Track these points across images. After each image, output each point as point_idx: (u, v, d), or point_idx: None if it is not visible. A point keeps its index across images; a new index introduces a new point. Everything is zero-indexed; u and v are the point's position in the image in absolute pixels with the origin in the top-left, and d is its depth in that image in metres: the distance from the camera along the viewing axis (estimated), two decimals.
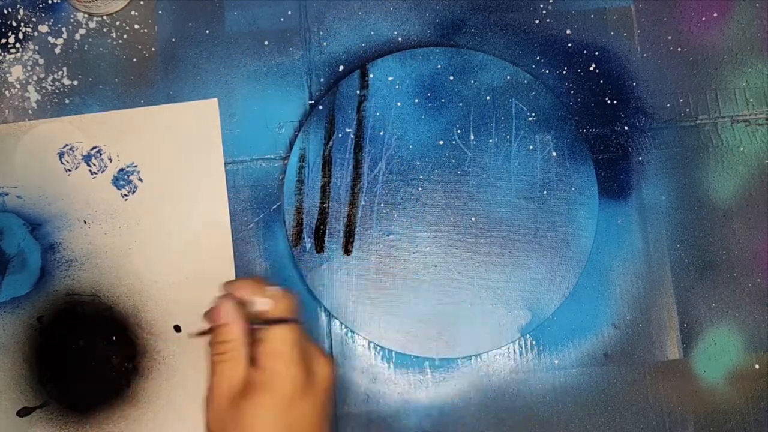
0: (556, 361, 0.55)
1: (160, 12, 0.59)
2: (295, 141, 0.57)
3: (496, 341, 0.55)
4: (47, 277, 0.55)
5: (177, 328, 0.55)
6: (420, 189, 0.56)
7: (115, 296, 0.55)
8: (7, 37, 0.58)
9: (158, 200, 0.56)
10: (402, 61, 0.58)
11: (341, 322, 0.55)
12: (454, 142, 0.57)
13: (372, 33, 0.59)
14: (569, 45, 0.59)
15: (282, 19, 0.59)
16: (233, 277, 0.55)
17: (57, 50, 0.58)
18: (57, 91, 0.57)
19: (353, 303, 0.55)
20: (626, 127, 0.58)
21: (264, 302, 0.42)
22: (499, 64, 0.57)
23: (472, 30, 0.59)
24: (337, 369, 0.43)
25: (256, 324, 0.42)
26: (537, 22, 0.59)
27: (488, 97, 0.57)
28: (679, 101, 0.59)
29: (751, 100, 0.59)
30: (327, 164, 0.56)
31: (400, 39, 0.59)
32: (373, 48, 0.59)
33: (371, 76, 0.57)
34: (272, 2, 0.59)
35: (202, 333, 0.44)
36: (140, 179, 0.57)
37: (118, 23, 0.58)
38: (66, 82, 0.58)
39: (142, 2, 0.59)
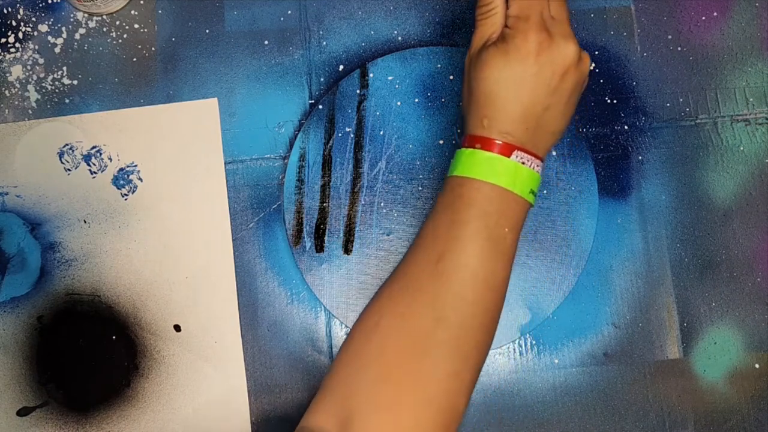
0: (556, 361, 0.55)
1: (159, 11, 0.59)
2: (295, 140, 0.57)
3: (495, 340, 0.54)
4: (47, 276, 0.55)
5: (177, 328, 0.55)
6: (420, 188, 0.56)
7: (115, 296, 0.55)
8: (7, 37, 0.58)
9: (158, 200, 0.56)
10: (402, 61, 0.58)
11: (341, 322, 0.55)
12: (454, 142, 0.57)
13: (372, 32, 0.59)
14: None
15: (282, 19, 0.59)
16: (233, 277, 0.55)
17: (57, 50, 0.58)
18: (57, 90, 0.57)
19: (353, 302, 0.55)
20: (626, 127, 0.58)
21: None
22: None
23: (472, 29, 0.59)
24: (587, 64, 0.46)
25: None
26: None
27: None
28: (679, 101, 0.59)
29: (751, 99, 0.59)
30: (327, 164, 0.56)
31: (400, 38, 0.59)
32: (373, 47, 0.59)
33: (371, 75, 0.57)
34: (272, 2, 0.59)
35: None
36: (140, 179, 0.57)
37: (118, 23, 0.58)
38: (66, 81, 0.58)
39: (141, 2, 0.59)
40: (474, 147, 0.44)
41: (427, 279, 0.43)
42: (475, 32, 0.47)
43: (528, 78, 0.43)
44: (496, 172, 0.43)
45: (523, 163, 0.43)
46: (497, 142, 0.43)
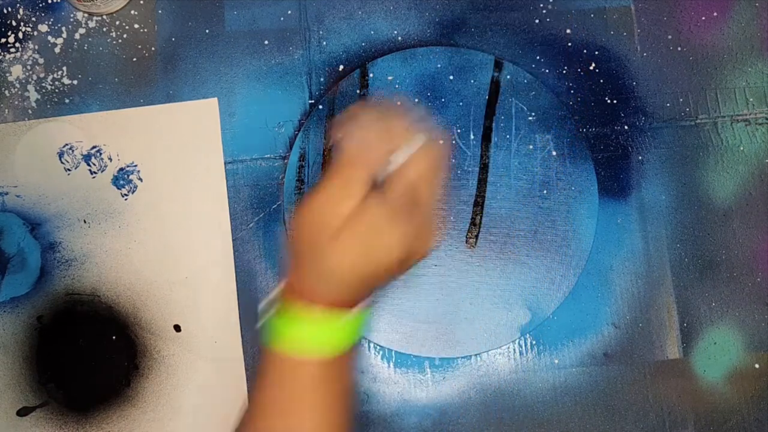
0: (556, 361, 0.55)
1: (159, 11, 0.59)
2: (295, 140, 0.57)
3: (495, 341, 0.55)
4: (47, 276, 0.55)
5: (177, 328, 0.55)
6: None
7: (115, 296, 0.55)
8: (7, 37, 0.58)
9: (158, 200, 0.56)
10: (402, 61, 0.58)
11: None
12: (454, 142, 0.57)
13: (372, 32, 0.59)
14: (569, 44, 0.59)
15: (282, 19, 0.59)
16: (233, 277, 0.55)
17: (57, 50, 0.58)
18: (57, 90, 0.57)
19: None
20: (626, 127, 0.58)
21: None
22: (499, 64, 0.57)
23: (472, 29, 0.59)
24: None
25: None
26: (537, 21, 0.59)
27: (488, 97, 0.57)
28: (679, 101, 0.59)
29: (751, 99, 0.59)
30: (327, 164, 0.56)
31: (400, 38, 0.59)
32: (373, 47, 0.59)
33: (371, 75, 0.57)
34: (272, 2, 0.59)
35: None
36: (140, 179, 0.57)
37: (117, 23, 0.58)
38: (66, 81, 0.57)
39: (141, 2, 0.59)
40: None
41: None
42: None
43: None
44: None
45: None
46: None
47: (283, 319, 0.40)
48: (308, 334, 0.39)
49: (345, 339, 0.40)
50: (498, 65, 0.57)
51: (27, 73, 0.58)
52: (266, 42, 0.58)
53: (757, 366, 0.56)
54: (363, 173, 0.39)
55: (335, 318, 0.39)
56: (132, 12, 0.58)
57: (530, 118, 0.57)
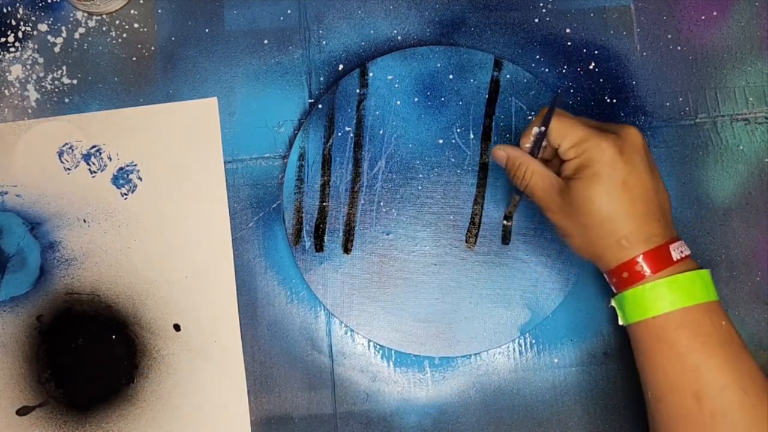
0: (556, 360, 0.55)
1: (159, 11, 0.59)
2: (294, 140, 0.57)
3: (495, 340, 0.55)
4: (47, 276, 0.55)
5: (176, 327, 0.55)
6: (419, 188, 0.56)
7: (115, 295, 0.55)
8: (7, 36, 0.58)
9: (158, 199, 0.56)
10: (402, 60, 0.58)
11: (341, 321, 0.55)
12: (453, 141, 0.57)
13: (372, 32, 0.59)
14: (569, 44, 0.59)
15: (281, 18, 0.59)
16: (233, 276, 0.55)
17: (56, 49, 0.58)
18: (56, 90, 0.57)
19: (353, 302, 0.55)
20: None
21: (532, 133, 0.48)
22: (499, 63, 0.57)
23: (472, 29, 0.59)
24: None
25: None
26: (537, 20, 0.59)
27: (488, 96, 0.57)
28: (679, 100, 0.59)
29: (751, 98, 0.59)
30: (326, 163, 0.56)
31: (399, 38, 0.59)
32: (373, 47, 0.59)
33: (371, 74, 0.57)
34: (272, 1, 0.59)
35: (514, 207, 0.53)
36: (140, 178, 0.57)
37: (117, 22, 0.58)
38: (65, 81, 0.58)
39: (141, 1, 0.59)
40: (637, 282, 0.44)
41: (702, 429, 0.42)
42: (534, 194, 0.48)
43: (628, 177, 0.44)
44: (681, 297, 0.44)
45: (681, 253, 0.45)
46: (648, 249, 0.44)
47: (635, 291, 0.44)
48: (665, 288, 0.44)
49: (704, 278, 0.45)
50: (498, 64, 0.57)
51: (27, 73, 0.58)
52: (266, 41, 0.58)
53: None
54: None
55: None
56: (132, 11, 0.58)
57: (530, 117, 0.57)
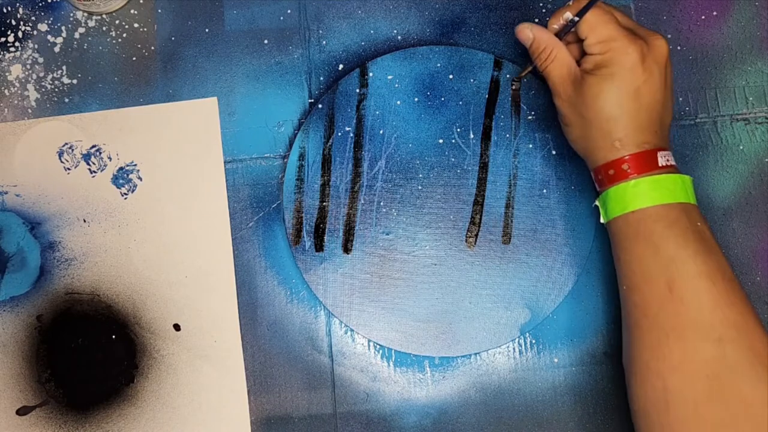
0: (556, 360, 0.55)
1: (159, 11, 0.59)
2: (294, 140, 0.57)
3: (495, 340, 0.55)
4: (46, 275, 0.55)
5: (176, 327, 0.55)
6: (419, 188, 0.56)
7: (115, 295, 0.55)
8: (7, 36, 0.58)
9: (158, 199, 0.56)
10: (402, 60, 0.58)
11: (341, 321, 0.55)
12: (453, 141, 0.57)
13: (372, 31, 0.59)
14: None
15: (281, 18, 0.59)
16: (233, 276, 0.55)
17: (56, 49, 0.58)
18: (56, 89, 0.57)
19: (353, 302, 0.55)
20: None
21: (563, 17, 0.50)
22: (499, 63, 0.57)
23: (472, 28, 0.59)
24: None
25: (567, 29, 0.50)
26: (537, 20, 0.59)
27: (488, 96, 0.57)
28: (679, 100, 0.59)
29: (751, 98, 0.59)
30: (326, 163, 0.56)
31: (399, 37, 0.59)
32: (373, 46, 0.59)
33: (371, 74, 0.57)
34: (272, 1, 0.59)
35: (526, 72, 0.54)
36: (140, 178, 0.57)
37: (117, 22, 0.58)
38: (65, 80, 0.58)
39: (141, 1, 0.59)
40: (621, 180, 0.46)
41: (672, 312, 0.44)
42: (549, 78, 0.49)
43: (643, 86, 0.46)
44: (661, 194, 0.45)
45: (667, 161, 0.46)
46: (638, 151, 0.46)
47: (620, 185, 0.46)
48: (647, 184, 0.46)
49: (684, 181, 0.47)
50: (498, 64, 0.57)
51: (26, 73, 0.58)
52: (266, 41, 0.58)
53: None
54: None
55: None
56: (132, 11, 0.58)
57: (530, 117, 0.57)
